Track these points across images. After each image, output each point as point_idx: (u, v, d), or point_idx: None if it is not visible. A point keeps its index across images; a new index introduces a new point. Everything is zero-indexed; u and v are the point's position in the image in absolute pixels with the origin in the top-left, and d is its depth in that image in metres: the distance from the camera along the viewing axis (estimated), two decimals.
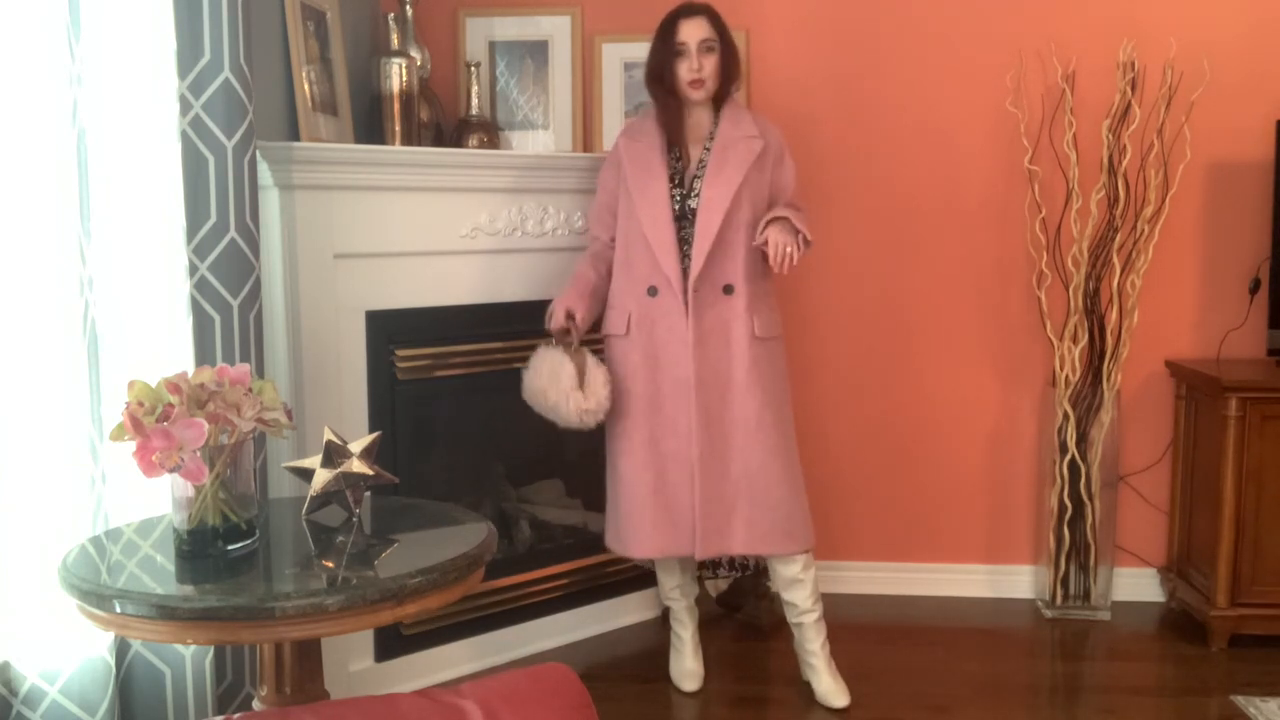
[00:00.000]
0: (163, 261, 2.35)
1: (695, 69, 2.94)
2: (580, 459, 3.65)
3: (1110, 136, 3.51)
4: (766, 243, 2.87)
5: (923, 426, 3.83)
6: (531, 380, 2.98)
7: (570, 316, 2.99)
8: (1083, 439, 3.56)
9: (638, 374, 2.99)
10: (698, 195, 2.95)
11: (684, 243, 2.95)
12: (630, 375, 3.01)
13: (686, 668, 3.18)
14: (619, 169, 3.05)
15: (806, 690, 3.09)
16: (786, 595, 3.07)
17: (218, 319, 2.47)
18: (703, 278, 2.93)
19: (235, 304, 2.49)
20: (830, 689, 3.04)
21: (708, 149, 2.99)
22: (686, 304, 2.93)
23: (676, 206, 2.96)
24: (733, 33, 3.05)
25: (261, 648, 2.00)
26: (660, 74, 2.98)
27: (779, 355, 3.08)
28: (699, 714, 3.07)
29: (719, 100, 3.03)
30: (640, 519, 3.00)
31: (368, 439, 2.23)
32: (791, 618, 3.09)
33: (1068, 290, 3.58)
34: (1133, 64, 3.50)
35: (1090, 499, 3.56)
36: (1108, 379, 3.55)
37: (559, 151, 3.67)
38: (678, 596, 3.20)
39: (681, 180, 2.99)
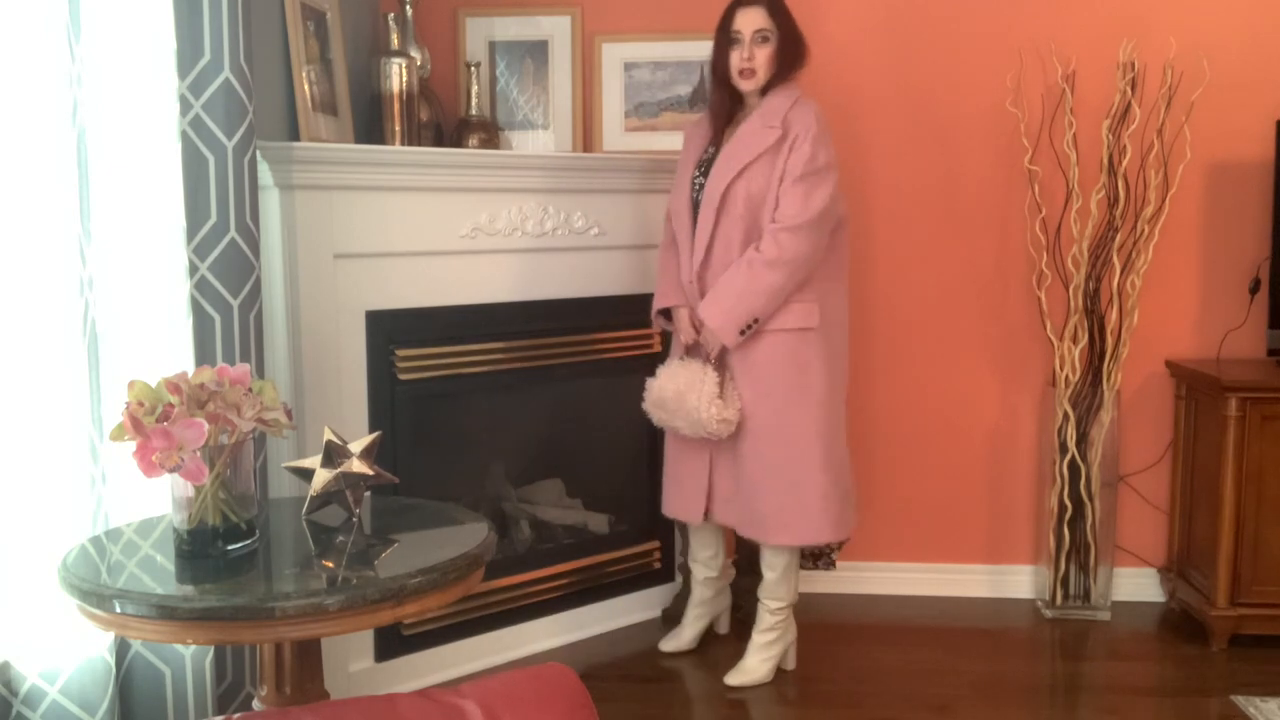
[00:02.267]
0: (163, 261, 2.35)
1: (746, 59, 2.95)
2: (580, 459, 3.65)
3: (1110, 136, 3.51)
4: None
5: (923, 426, 3.83)
6: (666, 386, 3.01)
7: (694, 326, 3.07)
8: (1083, 439, 3.56)
9: (678, 349, 3.17)
10: None
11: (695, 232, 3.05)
12: (675, 348, 3.20)
13: (680, 631, 3.33)
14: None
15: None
16: (762, 567, 3.16)
17: (218, 319, 2.47)
18: (706, 268, 2.99)
19: (235, 304, 2.49)
20: (738, 666, 3.15)
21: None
22: (696, 291, 3.02)
23: (698, 197, 3.04)
24: None
25: (261, 648, 2.00)
26: (716, 62, 3.02)
27: (799, 348, 2.99)
28: (699, 714, 3.07)
29: (769, 90, 3.00)
30: (667, 485, 3.26)
31: (368, 439, 2.23)
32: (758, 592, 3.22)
33: (1068, 290, 3.58)
34: (1133, 64, 3.50)
35: (1090, 499, 3.57)
36: (1108, 379, 3.55)
37: (559, 151, 3.67)
38: (699, 567, 3.30)
39: (708, 170, 3.03)
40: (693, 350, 3.08)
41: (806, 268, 2.94)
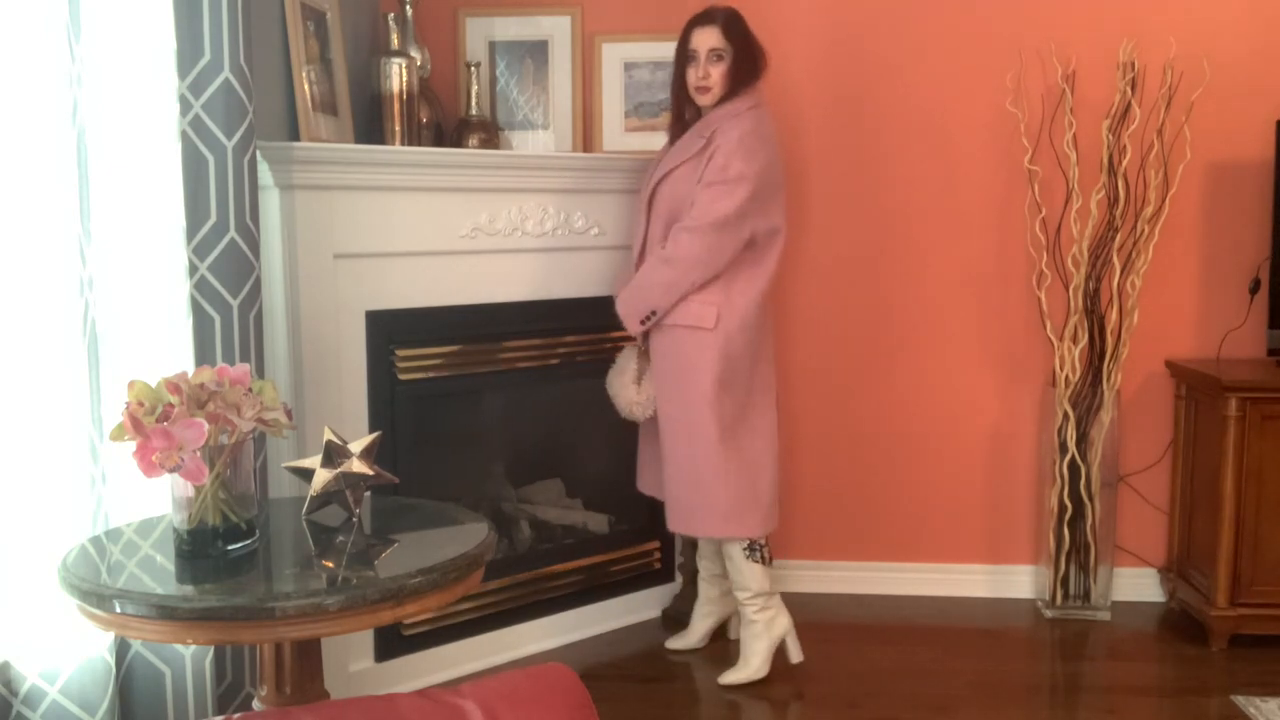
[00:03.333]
0: (163, 261, 2.35)
1: (701, 77, 3.07)
2: (580, 459, 3.65)
3: (1110, 136, 3.51)
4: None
5: (923, 426, 3.83)
6: (610, 372, 3.28)
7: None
8: (1083, 439, 3.56)
9: None
10: None
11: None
12: None
13: (688, 629, 3.40)
14: None
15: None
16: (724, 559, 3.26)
17: (218, 319, 2.47)
18: (641, 262, 3.17)
19: (235, 304, 2.49)
20: (737, 665, 3.18)
21: None
22: None
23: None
24: None
25: (261, 648, 2.00)
26: (677, 77, 3.15)
27: (690, 345, 3.06)
28: (699, 714, 3.07)
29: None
30: (639, 462, 3.39)
31: (368, 439, 2.22)
32: None
33: (1068, 290, 3.58)
34: (1133, 64, 3.50)
35: (1090, 499, 3.56)
36: (1108, 379, 3.55)
37: (559, 151, 3.67)
38: (703, 563, 3.37)
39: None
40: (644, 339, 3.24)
41: (702, 269, 3.03)
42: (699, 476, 3.09)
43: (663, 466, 3.17)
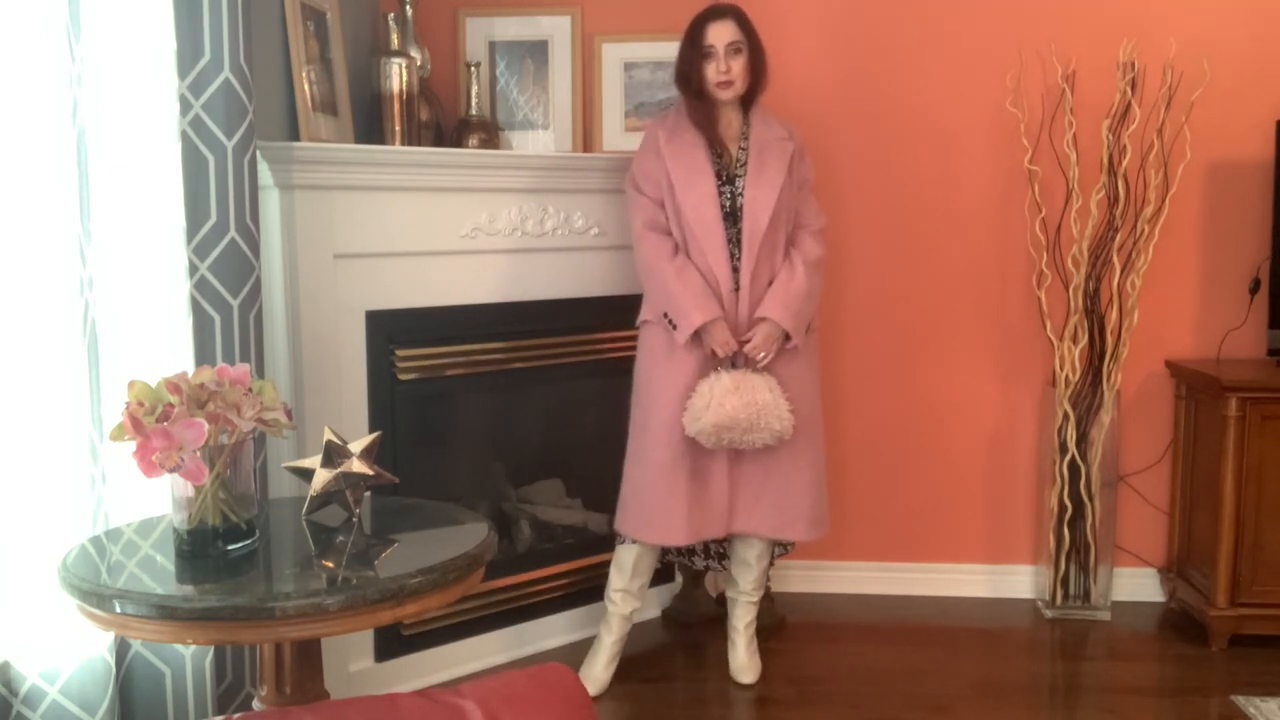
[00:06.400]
0: (163, 261, 2.35)
1: (723, 70, 2.99)
2: (580, 459, 3.65)
3: (1110, 136, 3.51)
4: (749, 340, 2.97)
5: (923, 426, 3.83)
6: (735, 404, 2.87)
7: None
8: (1083, 439, 3.56)
9: (683, 363, 2.98)
10: (742, 194, 2.99)
11: (728, 240, 2.99)
12: (674, 362, 3.00)
13: (594, 673, 3.11)
14: (659, 159, 3.02)
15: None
16: (734, 572, 3.21)
17: (218, 319, 2.47)
18: (751, 274, 2.98)
19: (235, 304, 2.49)
20: (742, 665, 3.18)
21: (743, 148, 3.05)
22: (737, 299, 2.98)
23: (727, 205, 2.99)
24: None
25: (261, 648, 2.00)
26: (689, 76, 3.03)
27: (813, 347, 3.16)
28: (697, 713, 3.07)
29: (747, 101, 3.07)
30: (675, 507, 2.99)
31: (368, 439, 2.23)
32: (729, 592, 3.24)
33: (1068, 290, 3.58)
34: (1133, 64, 3.50)
35: (1090, 499, 3.56)
36: (1108, 379, 3.55)
37: (559, 151, 3.67)
38: (629, 599, 3.13)
39: (728, 178, 3.02)
40: (723, 362, 2.97)
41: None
42: (819, 476, 3.12)
43: (788, 479, 3.03)
